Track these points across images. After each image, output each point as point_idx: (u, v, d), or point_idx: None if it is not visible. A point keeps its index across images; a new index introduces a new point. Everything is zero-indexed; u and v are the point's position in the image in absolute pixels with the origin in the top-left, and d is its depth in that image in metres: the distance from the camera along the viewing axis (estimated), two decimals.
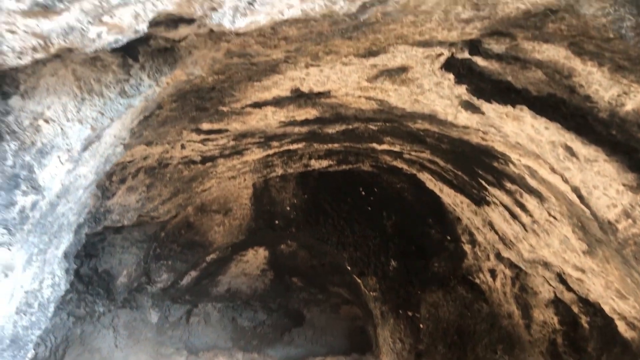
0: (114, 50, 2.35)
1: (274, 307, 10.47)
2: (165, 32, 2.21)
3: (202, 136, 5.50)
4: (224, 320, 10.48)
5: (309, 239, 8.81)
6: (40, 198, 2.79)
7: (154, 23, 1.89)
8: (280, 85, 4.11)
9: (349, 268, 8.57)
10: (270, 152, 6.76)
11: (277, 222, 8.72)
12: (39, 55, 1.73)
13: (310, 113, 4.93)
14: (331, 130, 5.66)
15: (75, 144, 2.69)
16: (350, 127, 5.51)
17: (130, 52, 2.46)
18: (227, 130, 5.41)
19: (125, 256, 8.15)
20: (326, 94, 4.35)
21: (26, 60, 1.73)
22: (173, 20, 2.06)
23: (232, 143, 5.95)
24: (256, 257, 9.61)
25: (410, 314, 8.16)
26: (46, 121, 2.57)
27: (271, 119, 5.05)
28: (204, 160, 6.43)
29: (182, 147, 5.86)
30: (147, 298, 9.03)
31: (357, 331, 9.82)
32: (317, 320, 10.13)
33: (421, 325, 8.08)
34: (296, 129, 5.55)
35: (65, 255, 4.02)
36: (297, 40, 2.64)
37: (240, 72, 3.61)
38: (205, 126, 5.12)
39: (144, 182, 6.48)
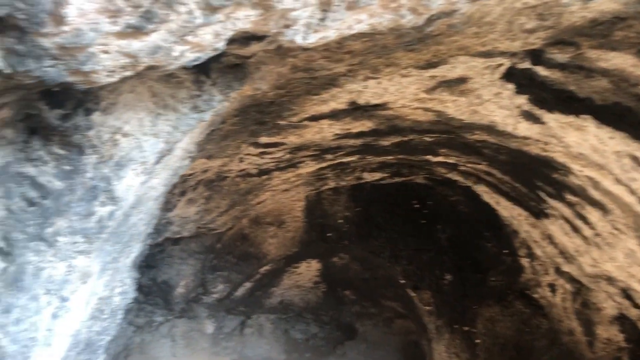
0: (188, 67, 2.47)
1: (326, 320, 10.49)
2: (237, 49, 2.31)
3: (260, 149, 5.63)
4: (277, 332, 10.56)
5: (361, 252, 8.82)
6: (116, 208, 2.94)
7: (229, 41, 1.99)
8: (338, 98, 4.18)
9: (402, 281, 8.52)
10: (324, 164, 6.84)
11: (329, 234, 8.78)
12: (127, 73, 1.86)
13: (366, 125, 4.98)
14: (386, 142, 5.69)
15: (150, 157, 2.83)
16: (406, 139, 5.52)
17: (202, 68, 2.59)
18: (283, 144, 5.52)
19: (183, 267, 8.38)
20: (383, 106, 4.39)
21: (115, 78, 1.86)
22: (246, 38, 2.16)
23: (287, 156, 6.06)
24: (309, 269, 9.68)
25: (466, 328, 8.01)
26: (124, 135, 2.72)
27: (327, 131, 5.13)
28: (260, 173, 6.57)
29: (240, 160, 6.01)
30: (203, 308, 9.23)
31: (411, 345, 9.71)
32: (370, 333, 10.08)
33: (477, 340, 7.92)
34: (351, 142, 5.61)
35: (133, 265, 4.18)
36: (360, 53, 2.71)
37: (301, 86, 3.70)
38: (263, 140, 5.25)
39: (203, 194, 6.68)
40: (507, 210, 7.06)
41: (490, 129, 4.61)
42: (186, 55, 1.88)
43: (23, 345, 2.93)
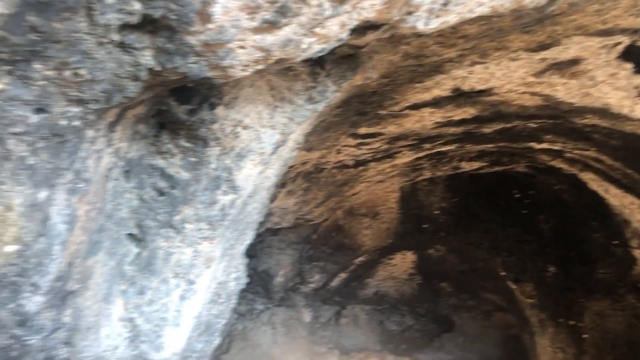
0: (306, 60, 2.56)
1: (422, 312, 10.42)
2: (353, 40, 2.37)
3: (358, 140, 5.69)
4: (372, 323, 10.63)
5: (459, 244, 8.67)
6: (237, 197, 3.11)
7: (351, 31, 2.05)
8: (442, 85, 4.15)
9: (502, 274, 8.28)
10: (421, 154, 6.79)
11: (425, 226, 8.70)
12: (259, 67, 1.97)
13: (468, 112, 4.90)
14: (488, 129, 5.56)
15: (267, 148, 2.97)
16: (509, 125, 5.36)
17: (317, 60, 2.68)
18: (382, 134, 5.55)
19: (281, 257, 8.64)
20: (488, 92, 4.30)
21: (248, 72, 1.98)
22: (364, 27, 2.21)
23: (385, 146, 6.08)
24: (404, 261, 9.65)
25: (572, 322, 7.67)
26: (244, 128, 2.88)
27: (427, 120, 5.10)
28: (357, 164, 6.64)
29: (338, 151, 6.11)
30: (300, 298, 9.48)
31: (511, 339, 9.43)
32: (468, 326, 9.89)
33: (585, 335, 7.56)
34: (451, 130, 5.54)
35: (244, 252, 4.39)
36: (475, 37, 2.68)
37: (406, 74, 3.71)
38: (363, 130, 5.30)
39: (301, 186, 6.86)
40: (617, 198, 6.67)
41: (602, 112, 4.39)
42: (313, 47, 1.97)
43: (155, 324, 3.19)
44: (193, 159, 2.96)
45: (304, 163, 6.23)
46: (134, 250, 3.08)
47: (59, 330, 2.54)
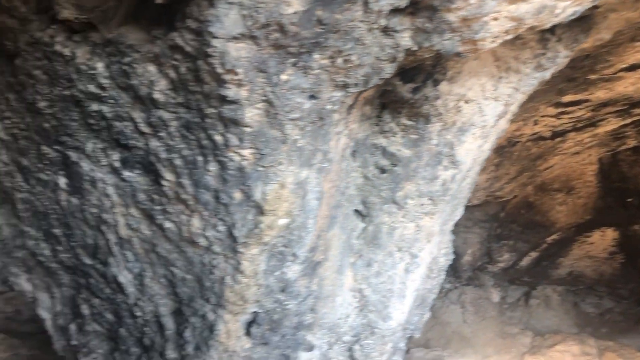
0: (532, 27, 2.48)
1: (624, 294, 9.56)
2: None
3: (559, 109, 5.37)
4: (565, 304, 10.02)
5: None
6: (457, 172, 3.15)
7: None
8: None
9: None
10: (628, 121, 6.20)
11: (629, 199, 7.96)
12: (508, 37, 1.97)
13: None
14: None
15: (489, 121, 2.95)
16: None
17: None
18: (587, 101, 5.16)
19: (468, 235, 8.52)
20: None
21: (497, 43, 1.99)
22: None
23: (588, 114, 5.66)
24: (603, 238, 8.92)
25: None
26: (466, 102, 2.89)
27: None
28: (554, 135, 6.27)
29: (535, 122, 5.83)
30: (488, 277, 9.27)
31: None
32: None
33: None
34: None
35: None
36: None
37: (629, 32, 3.41)
38: (567, 98, 4.99)
39: (493, 161, 6.67)
40: None
41: None
42: (567, 10, 1.91)
43: (382, 295, 3.37)
44: (414, 136, 3.05)
45: None
46: (360, 225, 3.28)
47: (309, 297, 2.82)
